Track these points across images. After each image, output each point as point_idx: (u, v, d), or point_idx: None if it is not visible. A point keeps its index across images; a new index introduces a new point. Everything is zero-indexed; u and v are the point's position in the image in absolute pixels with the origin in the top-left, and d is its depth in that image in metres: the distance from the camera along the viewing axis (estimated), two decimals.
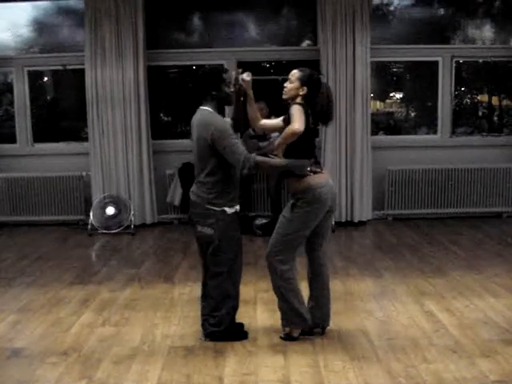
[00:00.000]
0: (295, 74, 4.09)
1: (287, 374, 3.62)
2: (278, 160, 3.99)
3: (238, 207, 4.15)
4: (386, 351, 3.93)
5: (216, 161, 3.95)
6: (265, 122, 4.48)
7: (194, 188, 4.12)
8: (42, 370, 3.73)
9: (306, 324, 4.14)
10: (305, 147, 4.02)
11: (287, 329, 4.16)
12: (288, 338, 4.14)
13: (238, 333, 4.22)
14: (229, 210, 4.05)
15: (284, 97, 4.11)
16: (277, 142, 3.98)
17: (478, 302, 4.84)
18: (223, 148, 3.87)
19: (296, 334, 4.15)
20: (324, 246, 4.20)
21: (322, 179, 4.04)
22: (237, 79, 4.15)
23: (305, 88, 4.02)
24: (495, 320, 4.46)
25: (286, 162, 3.96)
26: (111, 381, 3.57)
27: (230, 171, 4.02)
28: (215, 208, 4.00)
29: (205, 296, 4.23)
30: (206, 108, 4.03)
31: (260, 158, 3.91)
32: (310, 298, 4.24)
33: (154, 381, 3.56)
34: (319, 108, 4.01)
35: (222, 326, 4.11)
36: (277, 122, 4.32)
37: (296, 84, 4.05)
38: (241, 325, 4.32)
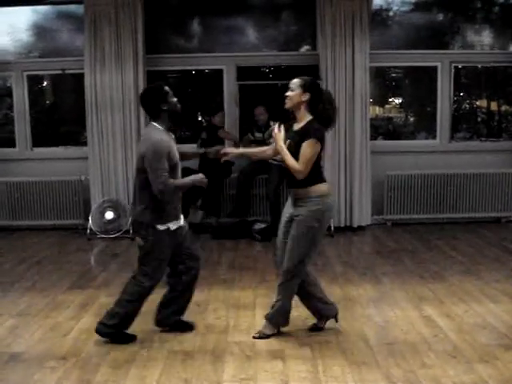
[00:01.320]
0: (296, 82, 4.13)
1: (286, 380, 3.61)
2: (188, 180, 4.15)
3: (172, 224, 4.19)
4: (385, 356, 3.92)
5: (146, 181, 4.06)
6: (271, 148, 4.50)
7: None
8: (40, 374, 3.73)
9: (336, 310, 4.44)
10: (314, 167, 4.08)
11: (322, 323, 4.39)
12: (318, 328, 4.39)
13: (123, 337, 4.28)
14: (160, 227, 4.12)
15: (287, 106, 4.15)
16: (280, 157, 4.13)
17: (477, 308, 4.84)
18: (149, 167, 3.98)
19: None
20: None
21: (328, 187, 4.21)
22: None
23: (307, 94, 4.06)
24: (494, 325, 4.45)
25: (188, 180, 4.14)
26: None
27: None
28: (144, 222, 4.12)
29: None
30: (154, 124, 4.13)
31: (176, 183, 4.06)
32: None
33: None
34: (323, 113, 4.07)
35: (111, 321, 4.21)
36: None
37: (298, 91, 4.09)
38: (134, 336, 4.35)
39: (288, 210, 4.25)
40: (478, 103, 9.52)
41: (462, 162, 8.31)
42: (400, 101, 9.59)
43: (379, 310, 4.90)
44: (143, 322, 4.63)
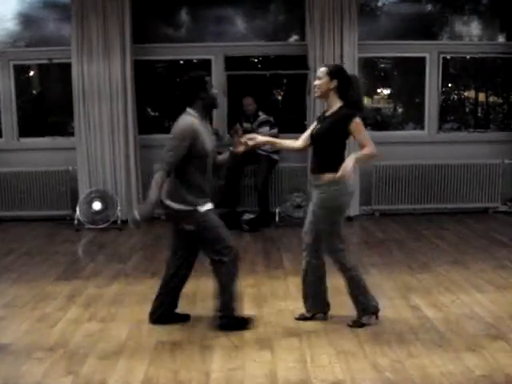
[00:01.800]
0: (322, 70, 4.18)
1: (274, 369, 3.62)
2: (152, 195, 4.16)
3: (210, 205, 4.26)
4: (373, 346, 3.94)
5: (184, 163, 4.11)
6: (302, 139, 4.48)
7: None
8: (27, 365, 3.71)
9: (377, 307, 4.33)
10: (340, 150, 4.16)
11: (364, 318, 4.29)
12: (361, 325, 4.27)
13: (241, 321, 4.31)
14: (201, 209, 4.17)
15: (317, 95, 4.23)
16: (353, 161, 4.04)
17: (465, 297, 4.87)
18: (167, 145, 4.08)
19: (367, 320, 4.29)
20: None
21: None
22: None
23: (335, 81, 4.11)
24: (481, 315, 4.48)
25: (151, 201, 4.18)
26: (97, 376, 3.55)
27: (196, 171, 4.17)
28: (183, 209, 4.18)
29: None
30: (190, 111, 4.14)
31: (153, 182, 4.10)
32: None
33: (141, 376, 3.55)
34: (353, 98, 4.13)
35: (226, 312, 4.24)
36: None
37: (325, 79, 4.13)
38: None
39: (312, 195, 4.32)
40: (465, 94, 9.56)
41: (450, 152, 8.34)
42: (388, 92, 9.60)
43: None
44: (131, 313, 4.63)
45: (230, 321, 4.24)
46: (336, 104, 4.16)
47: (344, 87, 4.13)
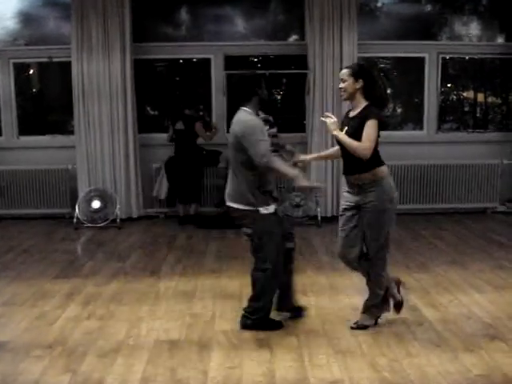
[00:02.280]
0: (346, 72, 4.16)
1: (272, 368, 3.63)
2: (290, 170, 4.12)
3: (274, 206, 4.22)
4: (371, 345, 3.95)
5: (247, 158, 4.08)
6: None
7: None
8: (26, 363, 3.72)
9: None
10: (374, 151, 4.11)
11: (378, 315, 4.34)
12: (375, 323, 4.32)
13: (270, 324, 4.29)
14: (264, 211, 4.14)
15: (344, 98, 4.21)
16: (337, 132, 4.14)
17: (462, 298, 4.88)
18: (249, 143, 4.00)
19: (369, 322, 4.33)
20: None
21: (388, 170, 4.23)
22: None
23: (360, 81, 4.09)
24: (479, 315, 4.49)
25: (295, 175, 4.08)
26: (96, 374, 3.56)
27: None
28: (247, 209, 4.16)
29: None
30: (246, 108, 4.16)
31: (276, 164, 4.04)
32: None
33: (139, 374, 3.56)
34: (378, 95, 4.09)
35: (254, 316, 4.23)
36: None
37: (350, 80, 4.10)
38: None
39: (349, 198, 4.24)
40: (464, 94, 9.56)
41: (449, 153, 8.35)
42: (387, 91, 9.59)
43: (365, 299, 4.91)
44: (129, 312, 4.64)
45: (254, 321, 4.24)
46: (361, 103, 4.11)
47: (370, 86, 4.10)
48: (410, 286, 5.20)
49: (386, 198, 4.10)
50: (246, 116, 4.14)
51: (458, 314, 4.53)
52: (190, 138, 7.75)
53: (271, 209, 4.15)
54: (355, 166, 4.12)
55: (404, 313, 4.53)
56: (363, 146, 3.99)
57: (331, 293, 5.01)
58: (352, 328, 4.26)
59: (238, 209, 4.17)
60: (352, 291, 5.11)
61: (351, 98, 4.15)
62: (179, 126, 7.77)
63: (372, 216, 4.12)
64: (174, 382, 3.48)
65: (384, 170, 4.15)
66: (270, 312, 4.29)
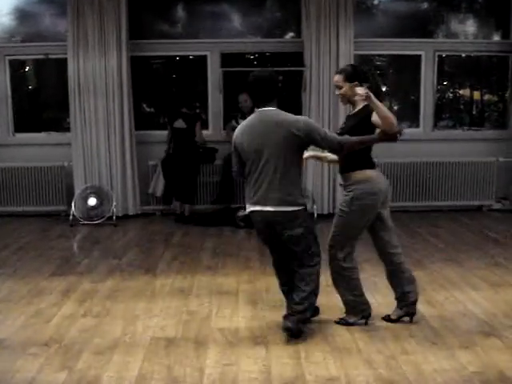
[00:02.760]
0: (339, 78, 4.14)
1: (268, 365, 3.63)
2: (365, 137, 3.99)
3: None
4: (367, 342, 3.96)
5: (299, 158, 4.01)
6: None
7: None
8: (22, 360, 3.72)
9: (367, 312, 4.31)
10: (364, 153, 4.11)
11: (352, 318, 4.30)
12: (346, 323, 4.29)
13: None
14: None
15: (344, 103, 4.25)
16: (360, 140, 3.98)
17: (458, 295, 4.89)
18: (316, 134, 3.88)
19: (353, 320, 4.29)
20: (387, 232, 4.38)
21: (377, 173, 4.19)
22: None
23: (356, 83, 4.05)
24: (475, 312, 4.51)
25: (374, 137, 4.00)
26: (92, 372, 3.56)
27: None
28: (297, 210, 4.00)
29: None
30: (274, 108, 3.98)
31: (352, 140, 3.95)
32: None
33: (135, 372, 3.56)
34: (372, 89, 4.01)
35: (307, 313, 4.16)
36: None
37: (346, 86, 4.09)
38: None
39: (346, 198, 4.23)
40: (461, 92, 9.57)
41: (445, 150, 8.36)
42: (384, 89, 9.60)
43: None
44: (125, 309, 4.64)
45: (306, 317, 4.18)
46: (359, 103, 4.09)
47: (364, 84, 4.07)
48: None
49: (355, 204, 4.08)
50: (289, 114, 3.96)
51: (453, 311, 4.54)
52: (190, 136, 7.73)
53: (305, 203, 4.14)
54: (346, 165, 4.16)
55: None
56: (390, 115, 3.87)
57: (327, 290, 4.99)
58: (335, 322, 4.31)
59: (290, 211, 3.94)
60: None
61: (350, 101, 4.15)
62: (178, 124, 7.74)
63: (345, 203, 4.15)
64: (171, 379, 3.49)
65: (367, 174, 4.11)
66: None
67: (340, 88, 4.13)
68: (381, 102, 3.97)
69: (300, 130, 3.85)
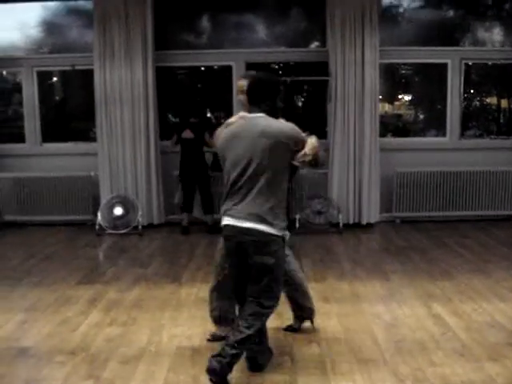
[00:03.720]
0: (244, 83, 3.93)
1: (294, 376, 3.61)
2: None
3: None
4: (393, 354, 3.91)
5: (287, 170, 3.57)
6: None
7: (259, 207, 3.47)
8: (49, 369, 3.74)
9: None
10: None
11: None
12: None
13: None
14: (286, 235, 3.62)
15: (244, 110, 3.79)
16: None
17: (486, 306, 4.82)
18: (297, 142, 3.48)
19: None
20: None
21: None
22: None
23: None
24: (503, 324, 4.43)
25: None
26: (118, 381, 3.57)
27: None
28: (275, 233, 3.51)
29: None
30: (263, 115, 3.54)
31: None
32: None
33: (161, 381, 3.56)
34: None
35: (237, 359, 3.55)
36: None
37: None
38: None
39: None
40: (488, 100, 9.48)
41: (472, 159, 8.27)
42: (409, 98, 9.56)
43: (387, 307, 4.89)
44: (151, 318, 4.65)
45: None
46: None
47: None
48: (433, 293, 5.16)
49: None
50: (277, 121, 3.56)
51: (481, 322, 4.48)
52: (198, 146, 7.70)
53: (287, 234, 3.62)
54: None
55: (427, 321, 4.50)
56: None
57: (353, 300, 4.98)
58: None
59: (267, 233, 3.45)
60: (374, 299, 5.08)
61: None
62: (186, 134, 7.68)
63: None
64: None
65: None
66: None
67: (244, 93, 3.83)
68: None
69: (289, 139, 3.45)
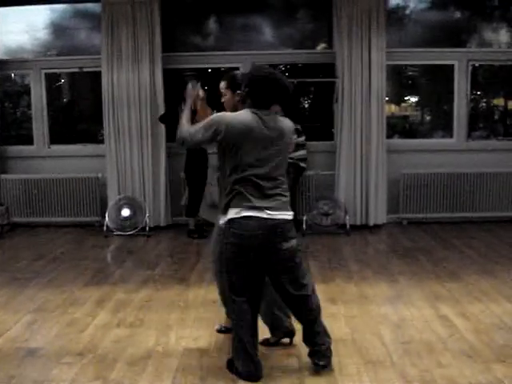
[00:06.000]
0: (222, 85, 4.06)
1: (301, 377, 3.61)
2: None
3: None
4: (401, 355, 3.91)
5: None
6: None
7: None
8: (57, 369, 3.76)
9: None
10: None
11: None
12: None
13: None
14: None
15: (229, 110, 3.94)
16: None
17: (494, 307, 4.81)
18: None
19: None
20: None
21: None
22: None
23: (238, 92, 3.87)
24: (510, 325, 4.42)
25: None
26: (126, 382, 3.58)
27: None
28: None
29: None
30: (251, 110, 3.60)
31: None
32: None
33: (168, 382, 3.57)
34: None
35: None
36: None
37: (229, 93, 4.02)
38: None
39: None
40: (494, 102, 9.46)
41: (479, 161, 8.26)
42: (416, 99, 9.55)
43: (395, 308, 4.89)
44: (159, 319, 4.66)
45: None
46: (239, 108, 3.84)
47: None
48: (440, 295, 5.16)
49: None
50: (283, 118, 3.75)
51: (489, 323, 4.47)
52: (199, 148, 7.66)
53: None
54: None
55: (434, 322, 4.49)
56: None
57: (360, 302, 4.98)
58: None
59: (291, 220, 3.64)
60: (381, 300, 5.08)
61: (236, 108, 3.91)
62: None
63: None
64: None
65: None
66: None
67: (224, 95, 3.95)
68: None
69: (291, 138, 3.76)
